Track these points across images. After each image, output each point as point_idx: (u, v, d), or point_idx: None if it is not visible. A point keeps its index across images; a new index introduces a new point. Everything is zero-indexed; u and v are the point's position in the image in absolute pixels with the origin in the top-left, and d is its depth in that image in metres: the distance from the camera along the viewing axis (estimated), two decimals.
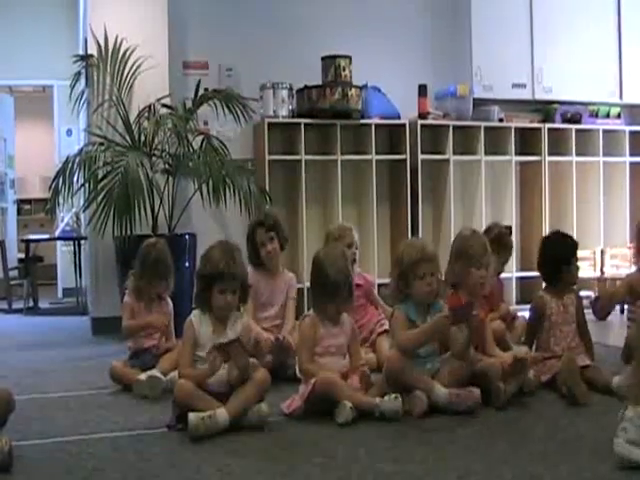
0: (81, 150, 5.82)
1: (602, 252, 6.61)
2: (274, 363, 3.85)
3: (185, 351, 3.15)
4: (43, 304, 8.40)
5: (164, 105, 5.81)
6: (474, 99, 6.88)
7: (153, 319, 4.01)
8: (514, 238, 5.99)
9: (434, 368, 3.30)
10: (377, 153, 6.57)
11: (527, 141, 7.19)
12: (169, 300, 4.13)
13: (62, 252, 9.58)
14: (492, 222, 5.08)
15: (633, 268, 6.21)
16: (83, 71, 6.01)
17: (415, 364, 3.24)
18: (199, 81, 6.03)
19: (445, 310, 3.27)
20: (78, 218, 8.12)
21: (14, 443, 2.59)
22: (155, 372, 3.69)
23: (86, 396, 3.74)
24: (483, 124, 6.86)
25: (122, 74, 5.88)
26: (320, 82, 6.38)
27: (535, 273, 4.03)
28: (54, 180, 5.63)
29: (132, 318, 4.04)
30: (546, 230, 6.96)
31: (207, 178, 5.58)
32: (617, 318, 5.82)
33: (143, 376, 3.68)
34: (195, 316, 3.16)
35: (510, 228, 4.83)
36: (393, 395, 3.06)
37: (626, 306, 4.53)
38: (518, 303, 6.54)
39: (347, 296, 3.36)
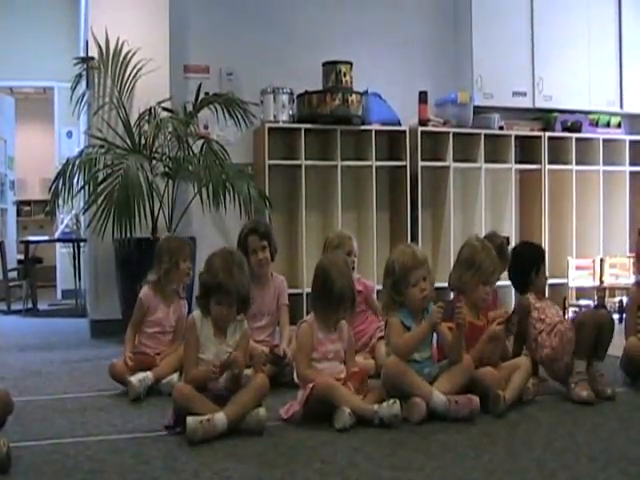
0: (81, 152, 5.83)
1: (601, 261, 6.61)
2: (272, 370, 3.84)
3: (188, 353, 3.14)
4: (42, 306, 8.40)
5: (165, 108, 5.81)
6: (474, 107, 6.89)
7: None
8: (513, 244, 5.98)
9: (432, 373, 3.30)
10: (377, 159, 6.57)
11: (527, 149, 7.20)
12: (185, 302, 4.16)
13: (61, 254, 9.57)
14: (491, 231, 5.07)
15: (632, 278, 6.24)
16: (84, 73, 6.02)
17: (412, 370, 3.24)
18: (200, 85, 6.05)
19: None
20: (78, 220, 8.13)
21: (12, 444, 2.58)
22: (135, 377, 3.70)
23: (84, 398, 3.73)
24: (483, 132, 6.88)
25: (123, 77, 5.89)
26: (321, 87, 6.39)
27: None
28: (54, 182, 5.64)
29: (144, 315, 4.04)
30: (545, 237, 6.98)
31: (207, 182, 5.58)
32: (616, 328, 5.82)
33: (132, 378, 3.70)
34: (196, 317, 3.16)
35: (508, 239, 4.83)
36: (391, 400, 3.06)
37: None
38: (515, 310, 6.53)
39: (350, 305, 3.36)
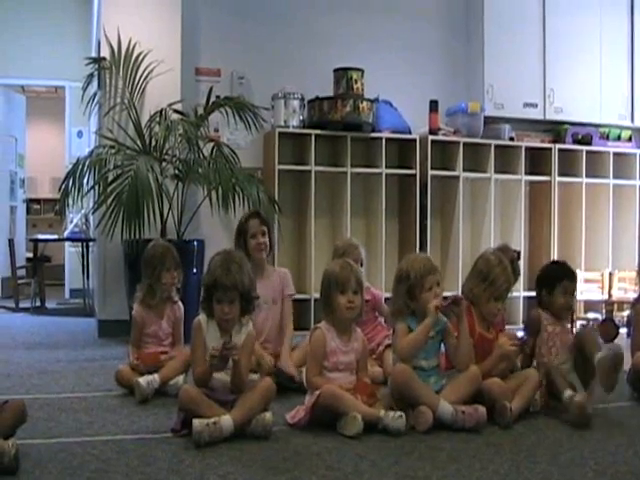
0: (92, 152, 5.85)
1: (610, 275, 6.59)
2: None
3: (196, 354, 3.12)
4: (50, 304, 8.41)
5: (175, 110, 5.83)
6: (485, 117, 6.91)
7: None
8: (522, 256, 5.97)
9: (438, 382, 3.30)
10: (387, 167, 6.58)
11: (537, 161, 7.20)
12: (180, 304, 4.12)
13: (70, 253, 9.59)
14: (503, 244, 5.02)
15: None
16: (96, 73, 6.04)
17: (418, 377, 3.23)
18: (211, 88, 6.06)
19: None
20: (87, 220, 8.15)
21: (18, 442, 2.57)
22: (143, 378, 3.68)
23: (90, 398, 3.73)
24: (494, 142, 6.88)
25: (134, 78, 5.91)
26: (332, 94, 6.40)
27: None
28: (64, 181, 5.66)
29: (141, 332, 4.02)
30: (554, 249, 6.97)
31: (217, 185, 5.60)
32: (623, 342, 5.81)
33: (141, 379, 3.69)
34: (202, 319, 3.16)
35: (519, 253, 4.79)
36: (398, 413, 3.05)
37: None
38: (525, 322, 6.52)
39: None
